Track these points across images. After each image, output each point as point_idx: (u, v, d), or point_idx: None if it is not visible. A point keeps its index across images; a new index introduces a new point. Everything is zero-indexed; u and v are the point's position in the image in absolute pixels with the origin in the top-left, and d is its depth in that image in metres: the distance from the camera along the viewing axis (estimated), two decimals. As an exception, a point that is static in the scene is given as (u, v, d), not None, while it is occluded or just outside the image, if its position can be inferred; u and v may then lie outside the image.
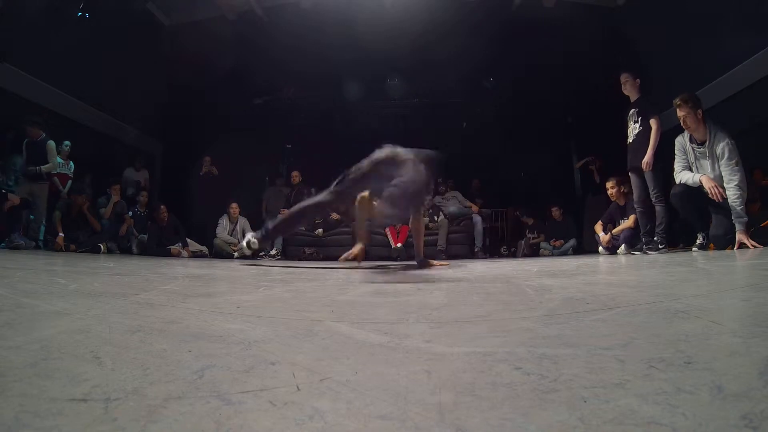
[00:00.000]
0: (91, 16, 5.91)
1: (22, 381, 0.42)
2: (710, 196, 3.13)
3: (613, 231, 4.54)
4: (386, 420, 0.34)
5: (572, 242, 5.97)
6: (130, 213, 5.89)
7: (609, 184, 4.68)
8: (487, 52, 6.69)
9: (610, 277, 1.65)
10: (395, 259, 5.53)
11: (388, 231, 5.97)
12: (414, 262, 2.84)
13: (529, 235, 6.43)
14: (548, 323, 0.70)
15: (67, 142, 5.62)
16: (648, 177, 3.75)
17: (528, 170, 7.91)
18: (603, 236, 4.58)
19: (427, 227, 5.99)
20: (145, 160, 7.24)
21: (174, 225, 5.76)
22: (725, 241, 3.10)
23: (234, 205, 6.05)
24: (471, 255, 5.99)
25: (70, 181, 5.67)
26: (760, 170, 4.42)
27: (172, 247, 5.52)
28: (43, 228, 5.28)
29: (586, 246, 5.73)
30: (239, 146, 7.02)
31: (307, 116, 8.19)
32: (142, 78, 6.78)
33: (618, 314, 0.75)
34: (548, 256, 5.74)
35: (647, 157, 3.66)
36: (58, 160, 5.59)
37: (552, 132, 7.72)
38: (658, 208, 3.70)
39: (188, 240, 5.78)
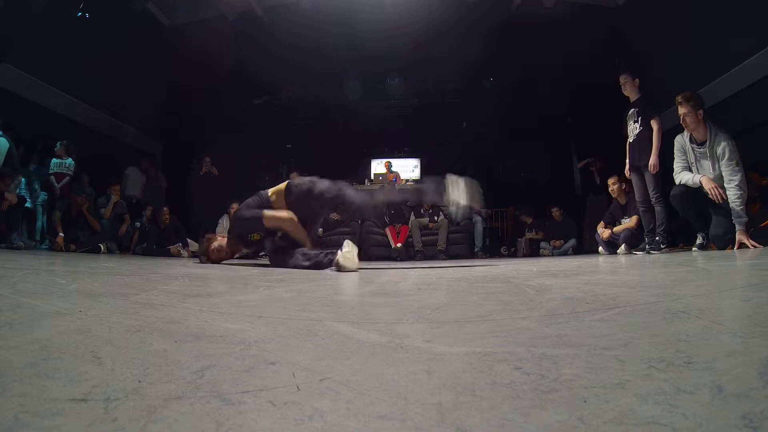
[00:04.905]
0: (91, 16, 5.90)
1: (22, 381, 0.42)
2: (710, 197, 3.13)
3: (614, 230, 4.53)
4: (386, 420, 0.34)
5: (572, 242, 5.97)
6: (137, 224, 5.88)
7: (611, 180, 4.68)
8: (487, 52, 6.68)
9: (610, 277, 1.65)
10: (395, 259, 5.53)
11: (388, 231, 5.97)
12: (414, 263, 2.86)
13: (528, 234, 6.43)
14: (548, 323, 0.70)
15: (60, 142, 5.60)
16: (648, 178, 3.74)
17: (528, 170, 7.91)
18: (603, 231, 4.57)
19: (427, 227, 6.00)
20: (148, 162, 7.24)
21: (175, 226, 5.77)
22: (725, 241, 3.09)
23: (235, 205, 6.05)
24: (471, 255, 5.99)
25: (67, 178, 5.64)
26: (760, 170, 4.41)
27: (171, 247, 5.53)
28: (43, 228, 5.29)
29: (586, 246, 5.73)
30: (239, 146, 7.02)
31: (307, 116, 8.18)
32: (142, 78, 6.77)
33: (618, 314, 0.75)
34: (548, 256, 5.74)
35: (653, 159, 3.65)
36: (55, 160, 5.60)
37: (552, 132, 7.72)
38: (657, 208, 3.69)
39: (188, 240, 5.79)
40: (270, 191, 2.85)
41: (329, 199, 2.70)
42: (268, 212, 2.69)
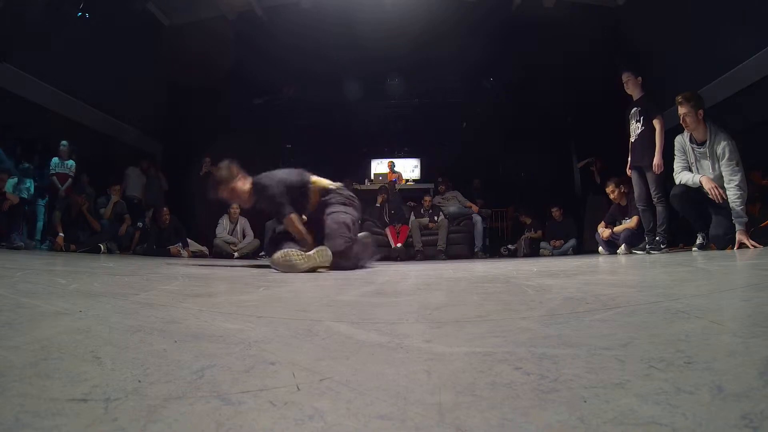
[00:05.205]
0: (91, 16, 5.91)
1: (22, 381, 0.42)
2: (710, 196, 3.13)
3: (615, 229, 4.52)
4: (386, 420, 0.34)
5: (572, 242, 5.97)
6: (140, 224, 5.90)
7: (609, 189, 4.65)
8: (487, 52, 6.69)
9: (610, 277, 1.65)
10: (395, 259, 5.53)
11: (388, 231, 5.97)
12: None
13: (527, 234, 6.43)
14: (548, 323, 0.70)
15: (64, 142, 5.62)
16: (650, 177, 3.73)
17: (528, 170, 7.91)
18: (603, 231, 4.56)
19: (427, 227, 6.00)
20: (148, 162, 7.24)
21: (175, 226, 5.77)
22: (725, 241, 3.09)
23: (235, 205, 6.05)
24: (471, 255, 5.99)
25: (70, 180, 5.66)
26: (760, 170, 4.41)
27: (171, 246, 5.53)
28: (43, 228, 5.30)
29: (586, 246, 5.73)
30: (239, 146, 7.01)
31: (307, 116, 8.19)
32: (142, 78, 6.78)
33: (618, 314, 0.75)
34: (548, 256, 5.74)
35: (656, 159, 3.62)
36: (55, 160, 5.61)
37: (552, 132, 7.72)
38: (659, 208, 3.68)
39: (188, 240, 5.80)
40: (314, 178, 2.74)
41: (332, 227, 2.50)
42: (294, 218, 2.57)
